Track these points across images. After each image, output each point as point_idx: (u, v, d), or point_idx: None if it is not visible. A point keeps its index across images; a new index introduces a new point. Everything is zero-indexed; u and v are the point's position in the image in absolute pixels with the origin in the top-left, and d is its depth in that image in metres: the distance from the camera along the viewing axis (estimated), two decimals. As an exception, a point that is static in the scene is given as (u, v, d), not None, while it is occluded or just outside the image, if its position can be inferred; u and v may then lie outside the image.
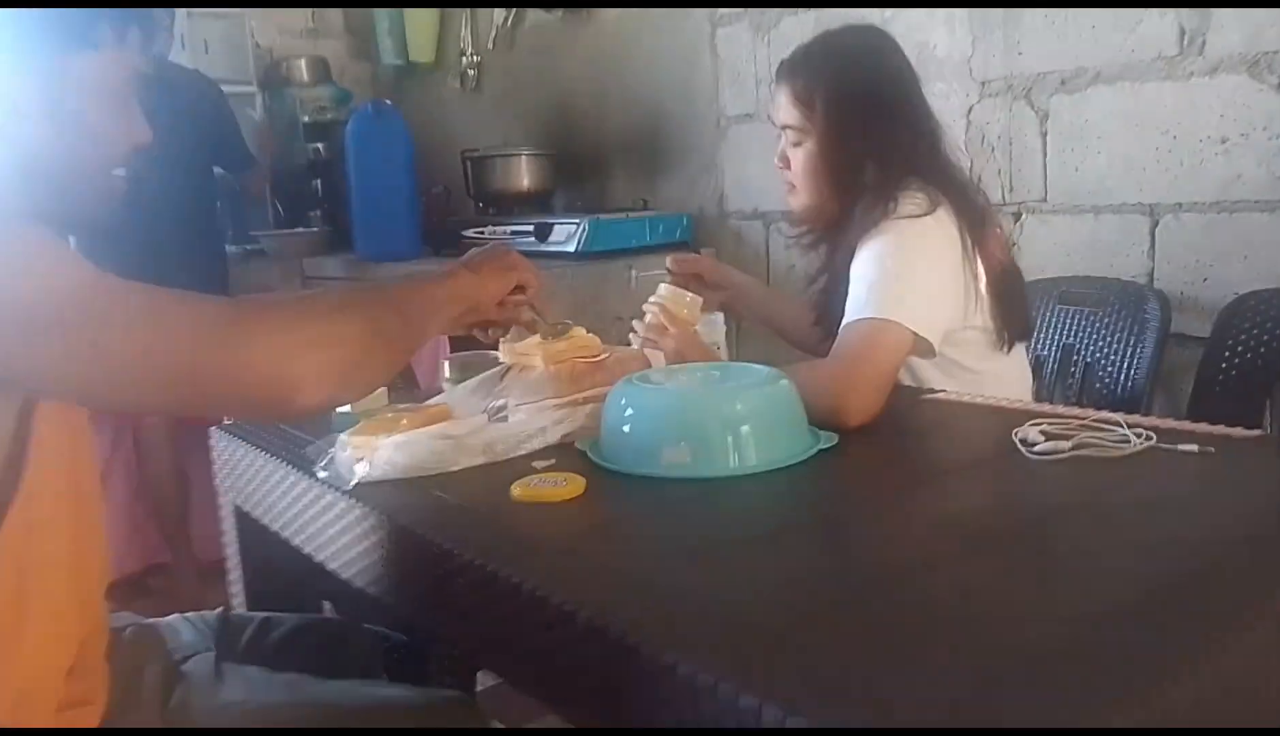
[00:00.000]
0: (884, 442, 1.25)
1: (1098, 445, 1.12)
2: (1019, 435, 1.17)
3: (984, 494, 1.05)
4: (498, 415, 1.23)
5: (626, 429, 1.17)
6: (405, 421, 1.18)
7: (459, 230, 2.98)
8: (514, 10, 3.29)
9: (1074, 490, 1.03)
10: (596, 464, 1.17)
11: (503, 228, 2.82)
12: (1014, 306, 1.51)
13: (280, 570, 1.42)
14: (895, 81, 1.50)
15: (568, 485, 1.06)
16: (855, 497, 1.08)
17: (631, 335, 1.55)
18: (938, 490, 1.06)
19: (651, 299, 1.55)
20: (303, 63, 3.75)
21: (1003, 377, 1.53)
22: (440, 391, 1.42)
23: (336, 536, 1.15)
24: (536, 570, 0.86)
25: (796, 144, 1.52)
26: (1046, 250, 2.06)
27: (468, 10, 3.49)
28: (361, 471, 1.10)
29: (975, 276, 1.45)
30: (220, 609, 1.29)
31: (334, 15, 4.01)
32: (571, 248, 2.59)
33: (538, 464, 1.18)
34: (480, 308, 1.22)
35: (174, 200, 2.72)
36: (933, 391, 1.45)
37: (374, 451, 1.11)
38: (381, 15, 3.68)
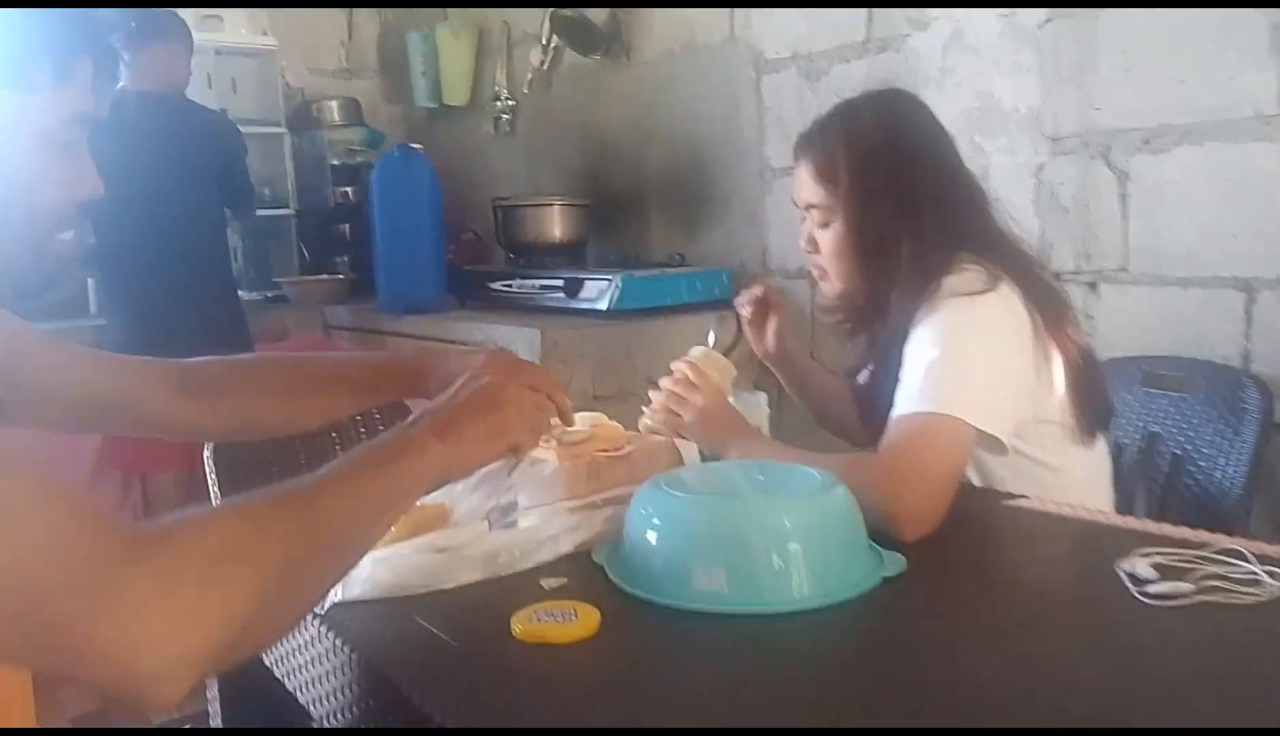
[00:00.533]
0: (959, 570, 1.05)
1: (1225, 587, 0.92)
2: (1125, 567, 0.97)
3: (1092, 653, 0.85)
4: (504, 520, 1.05)
5: (651, 544, 0.99)
6: (394, 527, 1.01)
7: (487, 281, 2.83)
8: (551, 53, 3.16)
9: (1207, 651, 0.83)
10: (615, 584, 0.99)
11: (532, 281, 2.67)
12: (1093, 392, 1.31)
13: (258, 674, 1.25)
14: (925, 146, 1.32)
15: (579, 620, 0.88)
16: (930, 651, 0.88)
17: (645, 409, 1.37)
18: (1032, 644, 0.86)
19: (679, 360, 1.38)
20: (334, 104, 3.65)
21: (1084, 475, 1.33)
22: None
23: (306, 665, 0.97)
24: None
25: (823, 225, 1.35)
26: (1125, 324, 1.86)
27: (504, 53, 3.38)
28: (334, 594, 0.93)
29: (1048, 360, 1.26)
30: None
31: (367, 55, 3.92)
32: (603, 305, 2.43)
33: (547, 582, 1.00)
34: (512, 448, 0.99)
35: (186, 244, 2.60)
36: (1011, 496, 1.26)
37: (351, 568, 0.94)
38: (416, 56, 3.58)
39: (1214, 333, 1.76)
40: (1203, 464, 1.66)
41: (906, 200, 1.28)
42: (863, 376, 1.42)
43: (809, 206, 1.36)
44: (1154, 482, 1.72)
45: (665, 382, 1.36)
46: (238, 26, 3.49)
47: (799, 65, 2.42)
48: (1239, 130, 1.68)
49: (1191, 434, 1.69)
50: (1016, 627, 0.90)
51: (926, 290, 1.24)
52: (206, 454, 1.47)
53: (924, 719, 0.74)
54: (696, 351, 1.39)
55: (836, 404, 1.67)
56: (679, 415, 1.32)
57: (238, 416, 1.13)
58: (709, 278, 2.56)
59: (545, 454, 1.13)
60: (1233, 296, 1.73)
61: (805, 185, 1.35)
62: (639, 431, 1.35)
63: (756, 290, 1.57)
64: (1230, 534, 1.07)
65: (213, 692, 1.36)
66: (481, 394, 0.94)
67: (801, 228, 1.39)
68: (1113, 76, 1.83)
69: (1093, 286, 1.90)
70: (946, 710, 0.76)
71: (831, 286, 1.37)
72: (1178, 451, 1.70)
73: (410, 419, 0.91)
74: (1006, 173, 1.96)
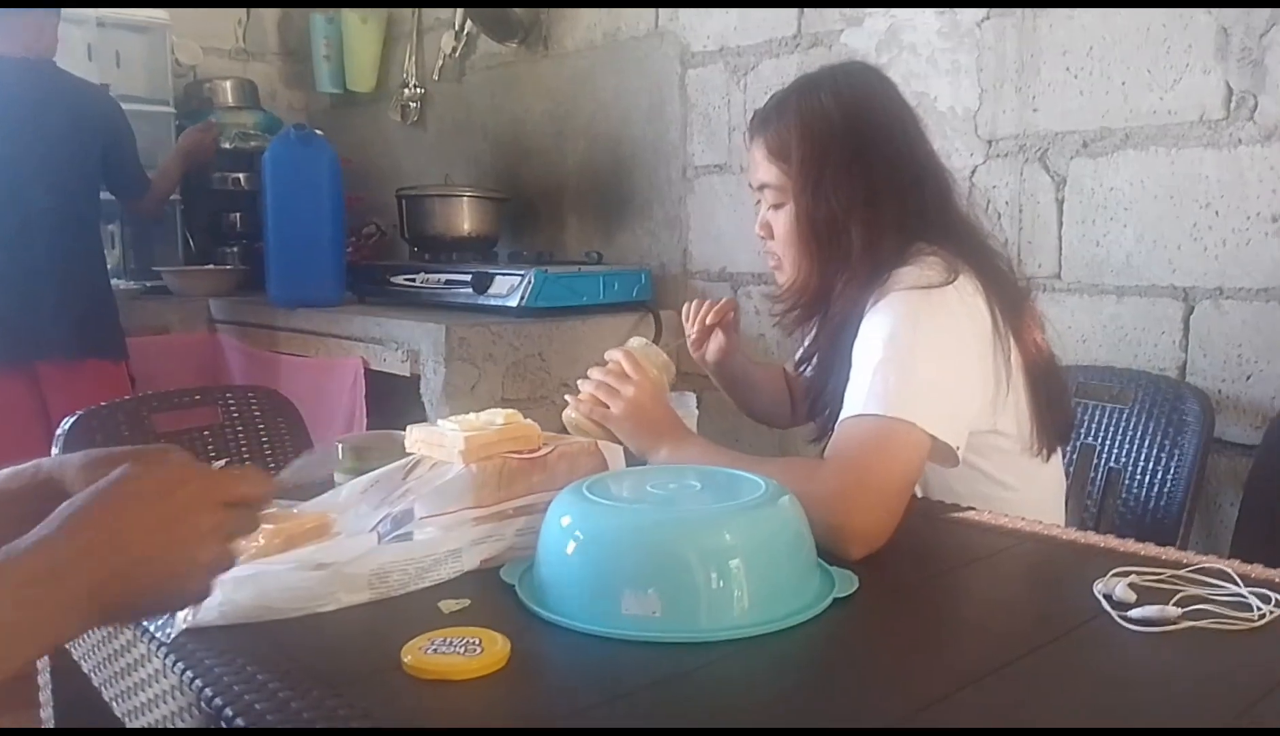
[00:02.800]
0: (916, 590, 0.94)
1: (1213, 612, 0.83)
2: (1102, 590, 0.87)
3: (1077, 685, 0.74)
4: (396, 532, 0.90)
5: (572, 561, 0.85)
6: (262, 538, 0.85)
7: (388, 276, 2.64)
8: (464, 40, 3.00)
9: (1203, 682, 0.73)
10: (527, 607, 0.84)
11: (438, 275, 2.49)
12: (1054, 402, 1.22)
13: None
14: (886, 126, 1.21)
15: (483, 653, 0.73)
16: (891, 682, 0.75)
17: (569, 399, 1.24)
18: (1010, 675, 0.75)
19: (615, 349, 1.25)
20: (228, 85, 3.41)
21: (1036, 494, 1.24)
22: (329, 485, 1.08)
23: (149, 704, 0.80)
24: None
25: (776, 205, 1.24)
26: (1059, 333, 1.77)
27: (413, 38, 3.20)
28: (183, 615, 0.76)
29: (1008, 364, 1.16)
30: None
31: (267, 36, 3.68)
32: (514, 302, 2.27)
33: (446, 604, 0.85)
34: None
35: (49, 223, 2.35)
36: (958, 508, 1.15)
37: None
38: (319, 39, 3.37)
39: (1150, 343, 1.71)
40: (1140, 477, 1.60)
41: (860, 183, 1.17)
42: (807, 369, 1.31)
43: (762, 187, 1.25)
44: (1088, 497, 1.65)
45: (596, 372, 1.22)
46: (124, -4, 3.23)
47: (726, 60, 2.32)
48: (1183, 135, 1.62)
49: (1129, 447, 1.63)
50: (988, 655, 0.78)
51: (877, 279, 1.14)
52: (54, 451, 1.28)
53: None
54: (635, 342, 1.27)
55: (764, 392, 1.58)
56: (606, 407, 1.18)
57: None
58: (628, 278, 2.43)
59: (448, 454, 0.97)
60: (1171, 306, 1.67)
61: (759, 164, 1.24)
62: (563, 428, 1.21)
63: (728, 309, 1.49)
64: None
65: (47, 713, 1.16)
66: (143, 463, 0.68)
67: (756, 211, 1.28)
68: (1053, 78, 1.77)
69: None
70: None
71: (783, 274, 1.26)
72: (1114, 465, 1.63)
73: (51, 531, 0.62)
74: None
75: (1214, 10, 1.57)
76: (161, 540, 0.64)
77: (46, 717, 1.16)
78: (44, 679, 1.16)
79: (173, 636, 0.76)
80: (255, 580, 0.79)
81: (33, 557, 0.60)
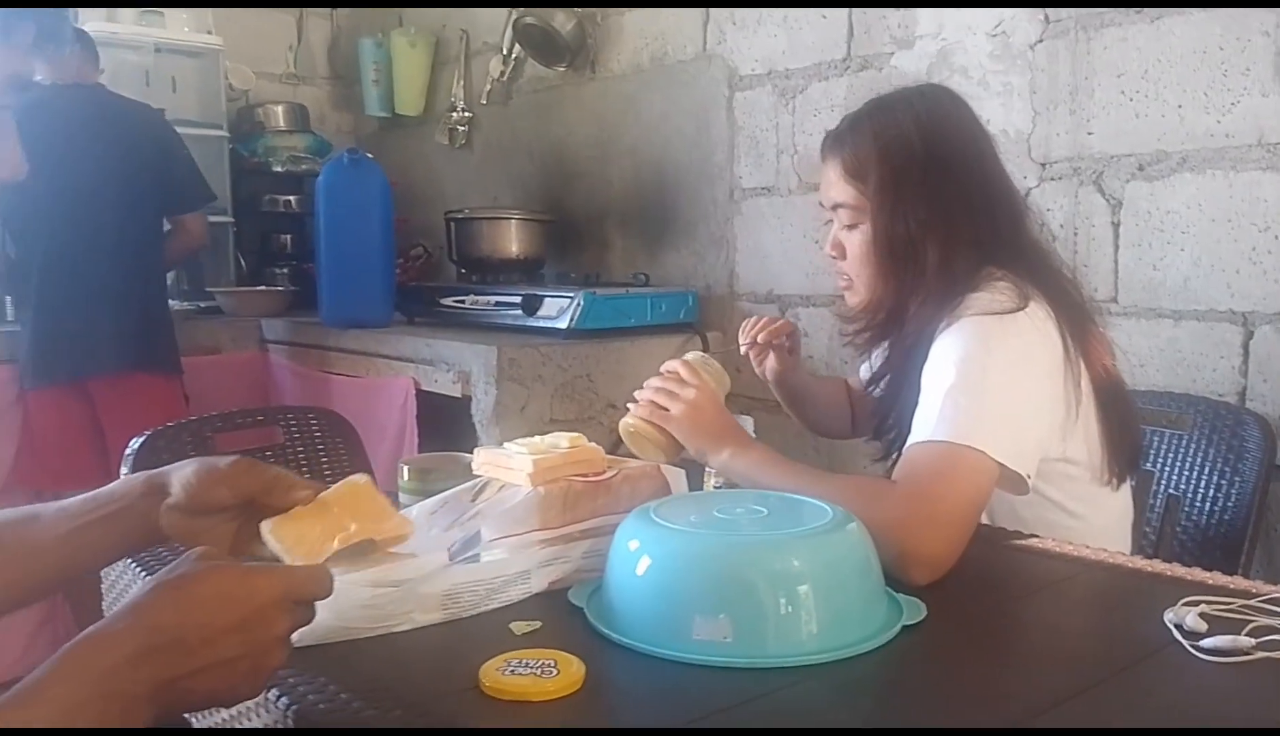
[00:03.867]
0: (985, 617, 0.93)
1: (1290, 642, 0.82)
2: (1173, 619, 0.86)
3: (1148, 714, 0.73)
4: (465, 554, 0.91)
5: (642, 585, 0.85)
6: (340, 535, 0.84)
7: (438, 297, 2.67)
8: (511, 63, 3.04)
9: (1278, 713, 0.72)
10: (597, 630, 0.85)
11: (487, 297, 2.52)
12: (1125, 428, 1.21)
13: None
14: (962, 147, 1.23)
15: (559, 674, 0.74)
16: (962, 710, 0.75)
17: (631, 407, 1.24)
18: (1082, 705, 0.74)
19: (673, 360, 1.26)
20: (279, 109, 3.48)
21: (1104, 523, 1.23)
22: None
23: (229, 721, 0.82)
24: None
25: (850, 225, 1.25)
26: (1116, 357, 1.77)
27: (461, 62, 3.25)
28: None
29: (1078, 391, 1.16)
30: None
31: (317, 61, 3.75)
32: (563, 324, 2.29)
33: (517, 626, 0.86)
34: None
35: (110, 245, 2.41)
36: (1021, 535, 1.15)
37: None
38: (368, 63, 3.43)
39: (1208, 368, 1.69)
40: (1200, 504, 1.58)
41: (938, 203, 1.18)
42: (876, 389, 1.31)
43: (836, 206, 1.25)
44: (1148, 523, 1.63)
45: (654, 380, 1.23)
46: (180, 24, 3.31)
47: (775, 82, 2.33)
48: (1241, 158, 1.61)
49: (1188, 473, 1.60)
50: (1059, 684, 0.78)
51: (950, 301, 1.14)
52: (124, 471, 1.31)
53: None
54: (693, 355, 1.28)
55: (825, 406, 1.59)
56: (666, 409, 1.19)
57: None
58: (674, 299, 2.44)
59: (515, 476, 0.99)
60: (1230, 331, 1.66)
61: (833, 184, 1.25)
62: (620, 436, 1.23)
63: (783, 331, 1.51)
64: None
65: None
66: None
67: (826, 232, 1.29)
68: (1107, 100, 1.76)
69: (1082, 317, 1.82)
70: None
71: (855, 295, 1.26)
72: (1173, 491, 1.61)
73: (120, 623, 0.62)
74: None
75: (1272, 32, 1.55)
76: (236, 642, 0.64)
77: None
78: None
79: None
80: (334, 598, 0.80)
81: (108, 651, 0.61)
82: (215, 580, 0.66)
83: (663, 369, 1.25)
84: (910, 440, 1.08)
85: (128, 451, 1.48)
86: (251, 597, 0.66)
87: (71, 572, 0.85)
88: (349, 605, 0.82)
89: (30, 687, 0.58)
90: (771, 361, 1.51)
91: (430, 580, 0.87)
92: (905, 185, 1.20)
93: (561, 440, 1.03)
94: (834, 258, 1.29)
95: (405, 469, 1.17)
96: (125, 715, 0.60)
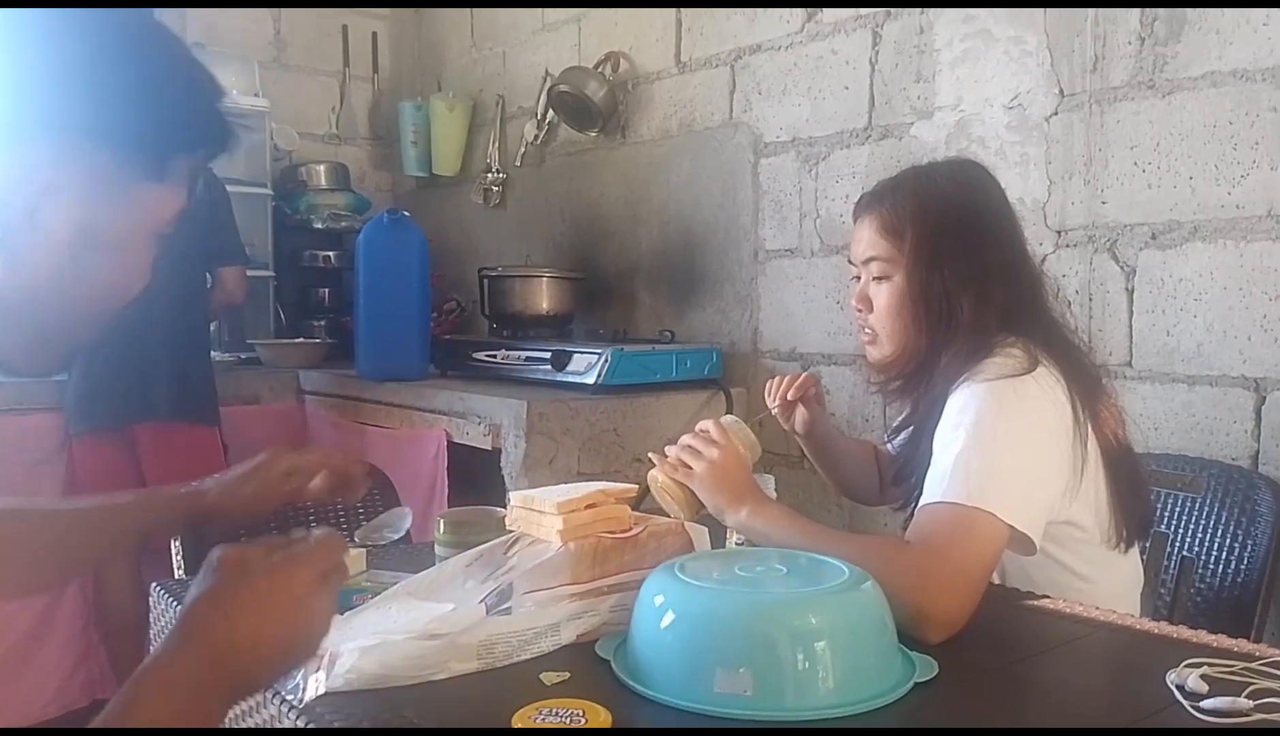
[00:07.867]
0: (994, 675, 0.97)
1: (1287, 705, 0.85)
2: (1175, 680, 0.90)
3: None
4: (500, 606, 0.97)
5: (666, 639, 0.90)
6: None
7: (470, 351, 2.75)
8: (545, 127, 3.15)
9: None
10: (622, 681, 0.90)
11: (518, 352, 2.60)
12: (1134, 493, 1.26)
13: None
14: (996, 213, 1.31)
15: (588, 723, 0.79)
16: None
17: (654, 458, 1.29)
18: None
19: (705, 421, 1.31)
20: (321, 168, 3.61)
21: (1112, 587, 1.26)
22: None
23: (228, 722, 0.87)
24: None
25: (881, 278, 1.30)
26: (1130, 421, 1.80)
27: (497, 126, 3.36)
28: (314, 687, 0.84)
29: (1087, 456, 1.21)
30: None
31: (358, 123, 3.89)
32: (591, 379, 2.36)
33: (547, 676, 0.91)
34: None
35: (157, 296, 2.50)
36: (1033, 596, 1.19)
37: (332, 655, 0.85)
38: (408, 126, 3.56)
39: (1221, 433, 1.72)
40: (1213, 567, 1.60)
41: (976, 259, 1.25)
42: (899, 440, 1.37)
43: (868, 260, 1.31)
44: (1162, 585, 1.66)
45: (686, 438, 1.28)
46: (228, 86, 3.44)
47: (799, 149, 2.41)
48: (1251, 229, 1.66)
49: (1201, 535, 1.63)
50: (1068, 745, 0.82)
51: (978, 357, 1.19)
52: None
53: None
54: (727, 419, 1.32)
55: (853, 464, 1.62)
56: (690, 468, 1.24)
57: None
58: (699, 356, 2.51)
59: (545, 532, 1.05)
60: (1242, 396, 1.69)
61: (865, 240, 1.31)
62: (648, 489, 1.27)
63: (808, 384, 1.53)
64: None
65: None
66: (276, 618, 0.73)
67: (854, 287, 1.35)
68: (1121, 171, 1.82)
69: (1098, 381, 1.86)
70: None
71: (880, 349, 1.32)
72: (1186, 553, 1.64)
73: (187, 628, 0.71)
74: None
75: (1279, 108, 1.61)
76: (288, 630, 0.73)
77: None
78: None
79: (304, 701, 0.84)
80: (380, 649, 0.86)
81: (172, 670, 0.68)
82: (249, 586, 0.72)
83: (697, 428, 1.30)
84: (923, 500, 1.13)
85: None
86: (287, 592, 0.73)
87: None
88: (395, 657, 0.88)
89: (116, 714, 0.64)
90: (801, 412, 1.54)
91: (468, 632, 0.92)
92: (943, 241, 1.26)
93: (592, 489, 1.07)
94: (859, 311, 1.34)
95: (441, 522, 1.23)
96: (209, 719, 0.69)
